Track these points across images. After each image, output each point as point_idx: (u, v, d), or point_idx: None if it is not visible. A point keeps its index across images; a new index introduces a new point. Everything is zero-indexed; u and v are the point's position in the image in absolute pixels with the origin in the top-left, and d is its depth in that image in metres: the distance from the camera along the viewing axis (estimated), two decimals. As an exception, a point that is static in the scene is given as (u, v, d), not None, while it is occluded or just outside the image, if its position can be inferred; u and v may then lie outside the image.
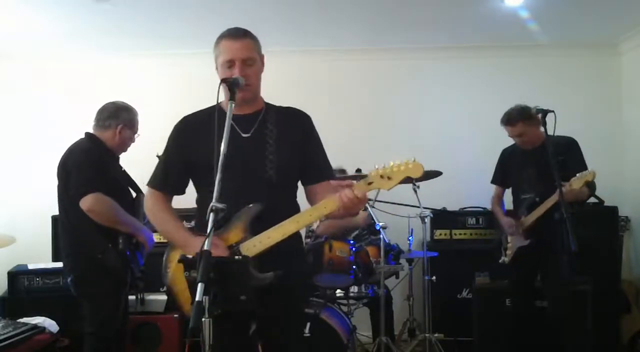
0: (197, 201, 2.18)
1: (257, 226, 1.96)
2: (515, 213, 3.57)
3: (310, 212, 1.98)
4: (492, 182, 3.78)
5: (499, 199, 3.77)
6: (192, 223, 2.32)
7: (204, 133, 2.04)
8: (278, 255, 1.96)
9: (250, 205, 1.96)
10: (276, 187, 2.05)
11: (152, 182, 2.17)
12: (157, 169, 2.19)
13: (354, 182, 1.93)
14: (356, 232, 3.99)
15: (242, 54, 2.01)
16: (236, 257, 1.79)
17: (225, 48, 2.03)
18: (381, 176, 1.90)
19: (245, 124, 2.03)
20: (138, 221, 2.96)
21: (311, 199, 2.19)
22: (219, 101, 2.11)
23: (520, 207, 3.51)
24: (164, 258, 2.10)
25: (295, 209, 2.13)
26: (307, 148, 2.16)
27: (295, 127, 2.16)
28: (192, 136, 2.10)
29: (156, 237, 3.07)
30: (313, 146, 2.19)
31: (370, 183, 1.91)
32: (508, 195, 3.74)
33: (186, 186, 2.19)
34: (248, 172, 2.01)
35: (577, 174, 3.04)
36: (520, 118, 3.38)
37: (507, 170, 3.68)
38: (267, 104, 2.18)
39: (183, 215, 2.26)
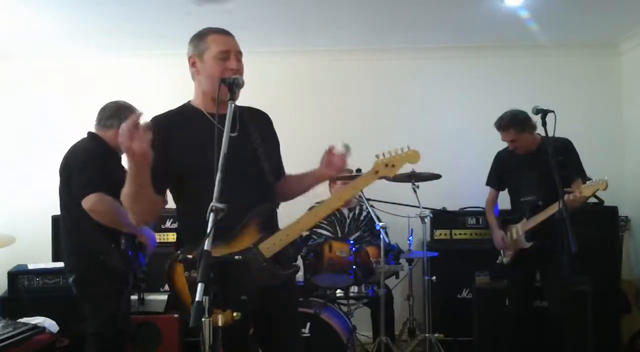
0: (186, 210, 2.06)
1: (266, 225, 1.98)
2: (514, 215, 3.57)
3: (327, 204, 2.06)
4: (487, 184, 3.77)
5: (493, 203, 3.77)
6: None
7: (185, 134, 2.00)
8: (287, 250, 2.02)
9: (263, 205, 1.99)
10: (270, 186, 2.09)
11: None
12: None
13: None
14: (357, 234, 3.99)
15: (236, 46, 2.02)
16: (236, 257, 1.79)
17: (218, 40, 2.00)
18: (386, 165, 2.06)
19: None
20: None
21: (278, 194, 2.22)
22: (186, 102, 2.12)
23: (520, 210, 3.50)
24: (167, 267, 1.97)
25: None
26: (276, 146, 2.23)
27: (264, 126, 2.19)
28: (172, 137, 1.99)
29: (158, 238, 3.07)
30: (277, 144, 2.26)
31: (377, 172, 2.06)
32: (504, 197, 3.74)
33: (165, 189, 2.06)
34: (246, 174, 2.00)
35: (588, 182, 3.04)
36: (510, 125, 3.37)
37: (503, 173, 3.67)
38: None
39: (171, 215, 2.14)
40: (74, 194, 2.81)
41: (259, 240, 1.95)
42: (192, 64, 2.05)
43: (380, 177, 2.08)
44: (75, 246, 2.94)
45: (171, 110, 2.09)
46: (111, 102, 3.10)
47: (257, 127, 2.09)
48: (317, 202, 3.80)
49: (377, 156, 2.07)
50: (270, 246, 1.94)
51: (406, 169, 3.52)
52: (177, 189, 2.06)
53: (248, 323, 2.18)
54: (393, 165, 2.06)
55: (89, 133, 3.06)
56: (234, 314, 1.65)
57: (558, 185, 2.81)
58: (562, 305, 3.29)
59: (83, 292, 2.94)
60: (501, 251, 3.61)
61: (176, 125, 2.03)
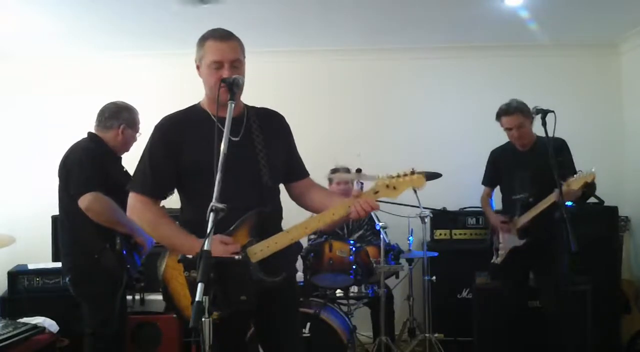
0: (188, 208, 2.10)
1: (259, 230, 1.98)
2: (505, 213, 3.56)
3: (318, 218, 2.03)
4: (483, 183, 3.77)
5: (487, 197, 3.77)
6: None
7: (191, 134, 2.02)
8: (279, 258, 1.99)
9: (257, 209, 1.98)
10: (271, 192, 2.09)
11: (140, 188, 2.03)
12: (143, 173, 2.04)
13: (361, 191, 2.04)
14: (360, 233, 3.99)
15: (230, 55, 1.98)
16: (236, 257, 1.79)
17: (212, 49, 1.98)
18: (387, 186, 2.01)
19: (233, 127, 1.96)
20: None
21: (297, 197, 2.24)
22: (195, 103, 2.13)
23: (511, 208, 3.49)
24: (160, 267, 2.01)
25: (281, 212, 2.19)
26: (288, 148, 2.21)
27: (275, 129, 2.17)
28: (180, 137, 2.02)
29: (156, 238, 3.06)
30: (292, 145, 2.25)
31: (376, 192, 2.02)
32: (497, 195, 3.73)
33: (172, 191, 2.12)
34: (244, 178, 2.01)
35: (575, 175, 3.03)
36: (518, 109, 3.35)
37: (497, 171, 3.66)
38: (245, 105, 2.15)
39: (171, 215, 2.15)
40: (71, 193, 2.81)
41: (247, 244, 1.95)
42: (197, 68, 2.07)
43: (380, 197, 2.03)
44: (71, 245, 2.94)
45: (181, 111, 2.12)
46: (110, 103, 3.11)
47: (263, 130, 2.09)
48: None
49: (379, 176, 2.03)
50: (257, 251, 1.95)
51: (406, 169, 3.56)
52: (181, 186, 2.09)
53: (247, 322, 2.19)
54: (395, 188, 2.01)
55: (89, 133, 3.07)
56: (214, 313, 1.64)
57: (558, 185, 2.81)
58: (556, 304, 3.28)
59: (79, 291, 2.94)
60: (494, 251, 3.60)
61: (184, 125, 2.05)
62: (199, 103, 2.13)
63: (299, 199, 2.25)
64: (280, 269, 1.97)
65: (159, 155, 2.03)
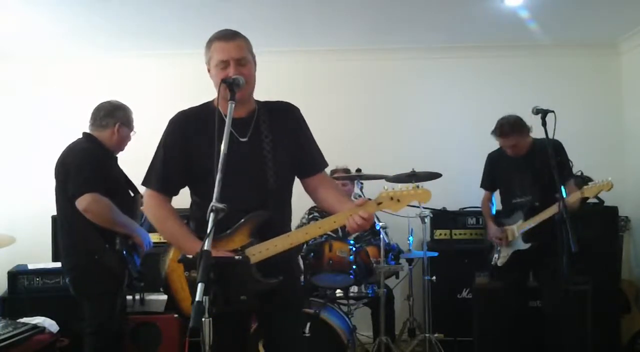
0: (194, 204, 2.13)
1: (261, 232, 1.98)
2: (506, 216, 3.57)
3: (319, 225, 2.03)
4: (482, 186, 3.77)
5: (488, 201, 3.76)
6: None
7: (203, 133, 2.02)
8: (278, 261, 1.99)
9: (259, 211, 1.98)
10: (276, 195, 2.07)
11: (153, 184, 2.06)
12: (156, 168, 2.06)
13: (368, 200, 2.02)
14: (358, 233, 3.99)
15: (235, 54, 1.99)
16: (236, 257, 1.80)
17: (217, 49, 2.00)
18: (391, 198, 2.01)
19: (241, 127, 2.01)
20: (135, 222, 2.96)
21: (311, 192, 2.22)
22: (210, 100, 2.13)
23: (511, 211, 3.49)
24: (163, 260, 2.05)
25: (290, 213, 2.19)
26: (301, 143, 2.18)
27: (286, 126, 2.15)
28: (193, 134, 2.04)
29: (154, 238, 3.06)
30: (306, 139, 2.21)
31: (379, 203, 2.01)
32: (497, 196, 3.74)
33: (184, 186, 2.12)
34: (249, 179, 2.01)
35: (590, 183, 3.01)
36: (513, 131, 3.35)
37: (495, 174, 3.67)
38: (257, 102, 2.14)
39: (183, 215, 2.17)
40: (69, 194, 2.81)
41: (247, 244, 1.96)
42: (208, 71, 2.08)
43: (383, 209, 2.03)
44: (71, 246, 2.94)
45: (195, 107, 2.12)
46: (105, 102, 3.09)
47: (273, 130, 2.08)
48: (313, 208, 3.84)
49: (385, 188, 2.03)
50: (256, 253, 1.95)
51: (406, 168, 3.56)
52: (191, 183, 2.11)
53: (249, 319, 2.19)
54: (399, 200, 2.01)
55: (84, 133, 3.05)
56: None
57: (558, 185, 2.81)
58: (557, 305, 3.28)
59: (80, 292, 2.94)
60: (495, 252, 3.59)
61: (198, 122, 2.06)
62: (212, 101, 2.12)
63: (313, 195, 2.23)
64: (278, 272, 1.97)
65: (174, 148, 2.05)
